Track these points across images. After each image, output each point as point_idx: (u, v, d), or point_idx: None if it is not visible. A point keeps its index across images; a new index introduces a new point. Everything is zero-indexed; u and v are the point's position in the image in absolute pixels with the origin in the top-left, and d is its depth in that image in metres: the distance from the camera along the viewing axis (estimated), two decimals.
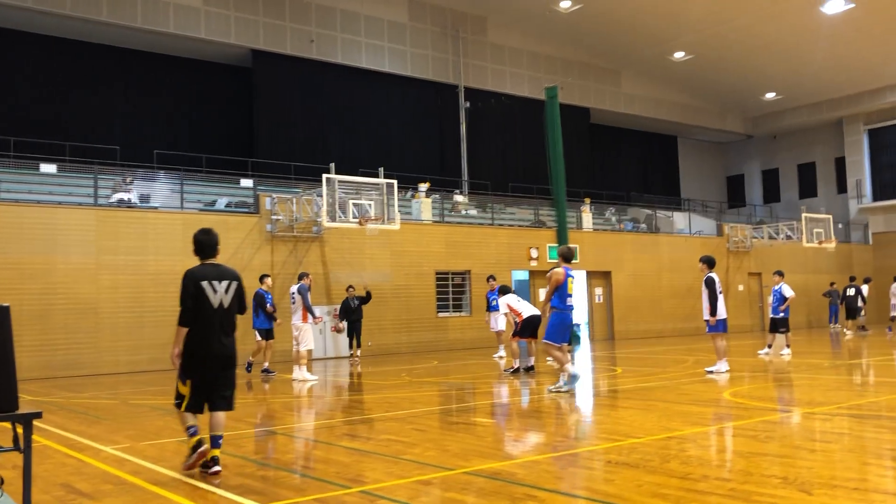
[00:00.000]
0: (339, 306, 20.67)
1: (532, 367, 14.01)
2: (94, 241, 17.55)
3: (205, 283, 5.98)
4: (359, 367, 17.26)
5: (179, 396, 6.03)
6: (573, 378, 10.69)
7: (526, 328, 14.03)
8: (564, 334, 10.72)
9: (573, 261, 11.01)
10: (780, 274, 17.28)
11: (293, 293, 14.30)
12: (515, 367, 13.97)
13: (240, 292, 6.16)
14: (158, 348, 17.54)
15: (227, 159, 23.73)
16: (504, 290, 15.08)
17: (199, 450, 5.87)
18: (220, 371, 5.97)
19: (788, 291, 16.91)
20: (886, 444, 6.53)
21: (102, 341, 17.12)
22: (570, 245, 11.10)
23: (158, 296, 17.66)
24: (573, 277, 10.72)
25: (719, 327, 12.93)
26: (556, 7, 28.16)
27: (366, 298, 18.69)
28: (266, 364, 15.39)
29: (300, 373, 13.99)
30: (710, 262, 13.12)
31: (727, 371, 12.67)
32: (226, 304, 6.03)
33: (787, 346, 16.85)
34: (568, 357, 10.90)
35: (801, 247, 29.17)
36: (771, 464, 5.76)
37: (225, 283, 6.07)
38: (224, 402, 6.02)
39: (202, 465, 5.89)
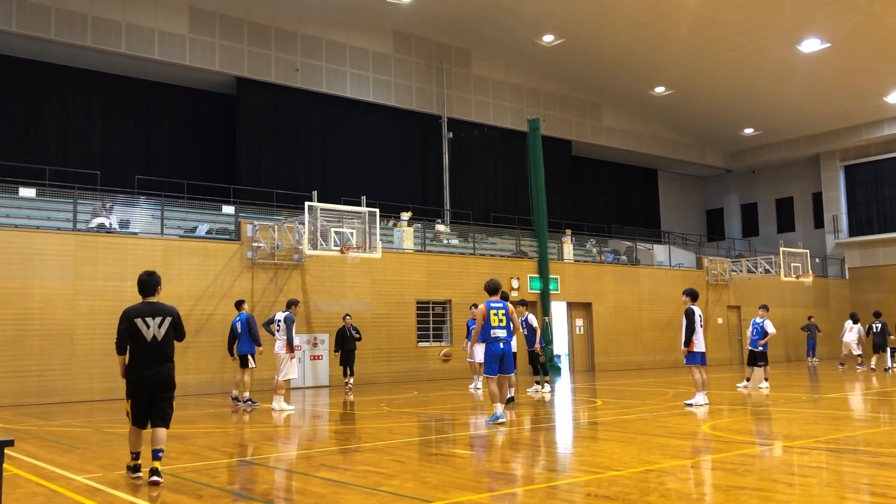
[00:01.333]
0: (319, 335, 20.58)
1: (512, 399, 13.97)
2: (72, 266, 17.37)
3: (138, 320, 7.00)
4: (351, 395, 17.17)
5: (127, 413, 7.13)
6: (496, 417, 10.74)
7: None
8: (494, 365, 10.96)
9: (497, 293, 11.21)
10: (766, 308, 17.35)
11: (279, 321, 14.16)
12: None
13: (174, 325, 7.15)
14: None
15: (209, 186, 23.67)
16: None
17: (136, 474, 7.02)
18: (154, 393, 6.96)
19: (770, 328, 16.95)
20: (863, 479, 6.56)
21: (77, 368, 16.88)
22: (494, 278, 11.49)
23: None
24: (497, 308, 10.98)
25: (696, 359, 13.01)
26: (539, 41, 28.54)
27: (358, 337, 19.02)
28: (236, 393, 15.01)
29: (278, 403, 13.84)
30: (692, 295, 13.29)
31: (706, 404, 12.70)
32: (159, 338, 7.02)
33: (766, 379, 16.93)
34: (502, 393, 11.14)
35: (779, 280, 29.46)
36: (749, 497, 5.75)
37: (159, 319, 7.06)
38: (161, 420, 6.97)
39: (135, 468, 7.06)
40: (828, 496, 5.83)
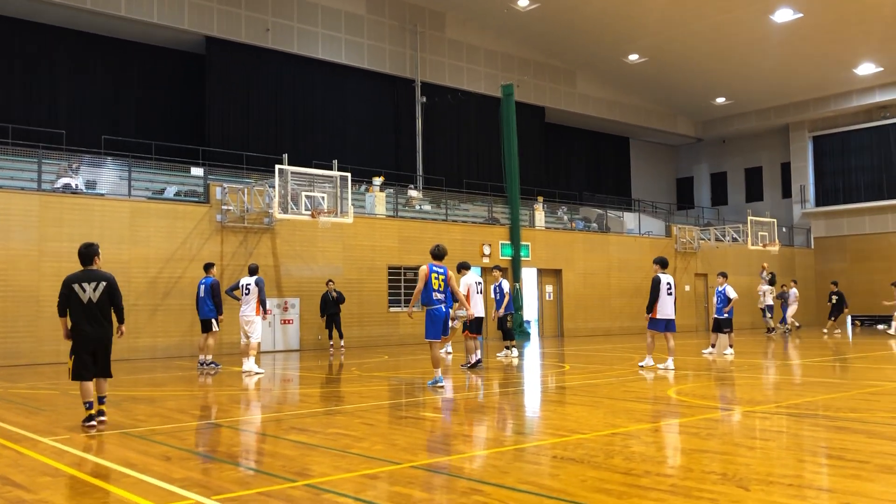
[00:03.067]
0: (289, 299, 20.53)
1: (479, 362, 14.13)
2: (37, 227, 17.08)
3: (76, 285, 7.86)
4: (342, 357, 17.58)
5: (69, 370, 7.92)
6: (436, 381, 10.93)
7: (474, 324, 14.14)
8: (437, 330, 11.00)
9: (442, 259, 11.24)
10: (724, 275, 17.65)
11: (248, 284, 14.12)
12: (472, 361, 14.00)
13: (109, 290, 7.96)
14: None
15: (178, 147, 23.30)
16: (465, 267, 14.47)
17: (89, 423, 7.75)
18: (93, 349, 7.85)
19: (732, 293, 17.25)
20: (822, 442, 6.74)
21: (43, 330, 16.68)
22: (440, 243, 11.52)
23: None
24: (439, 273, 11.01)
25: (656, 326, 13.71)
26: (515, 5, 28.29)
27: (340, 299, 19.49)
28: (203, 357, 14.97)
29: (249, 364, 13.84)
30: (661, 263, 13.79)
31: (652, 368, 13.37)
32: (94, 300, 7.85)
33: (730, 346, 17.25)
34: (444, 358, 11.36)
35: (746, 249, 29.90)
36: (711, 460, 5.89)
37: (94, 284, 7.88)
38: (104, 372, 7.97)
39: (89, 418, 7.80)
40: (787, 459, 5.99)
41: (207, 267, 15.07)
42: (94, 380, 7.92)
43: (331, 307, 19.46)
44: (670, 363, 13.35)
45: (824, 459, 6.09)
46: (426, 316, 11.03)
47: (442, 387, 10.94)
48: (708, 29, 29.11)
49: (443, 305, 11.03)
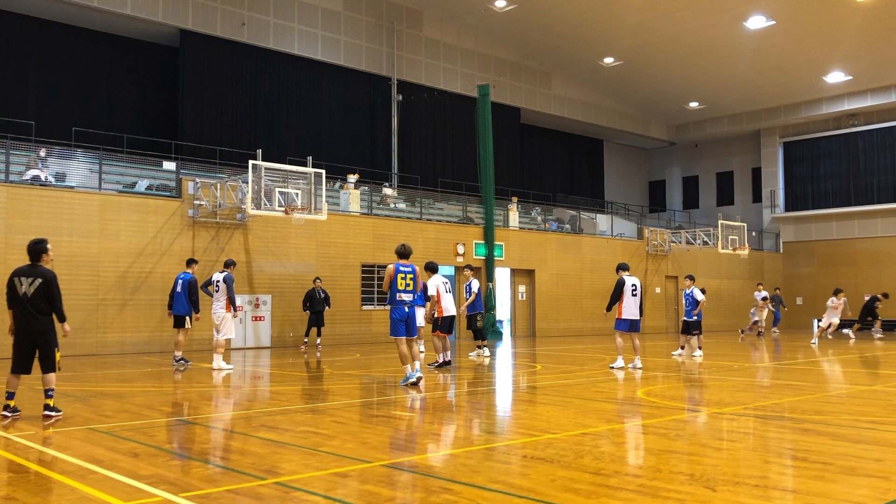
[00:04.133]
0: (261, 296, 20.42)
1: (449, 362, 14.14)
2: (4, 218, 16.80)
3: (16, 279, 8.12)
4: (318, 354, 17.65)
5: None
6: (407, 378, 10.98)
7: (444, 324, 14.11)
8: (400, 327, 10.97)
9: (407, 258, 11.28)
10: (692, 278, 17.79)
11: (217, 281, 14.00)
12: (440, 361, 14.04)
13: (44, 287, 8.05)
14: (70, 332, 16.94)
15: (150, 140, 23.05)
16: (432, 269, 13.84)
17: (10, 413, 8.05)
18: (32, 341, 8.09)
19: (699, 295, 17.34)
20: (787, 444, 6.85)
21: (8, 324, 16.37)
22: (406, 244, 11.54)
23: (71, 278, 17.06)
24: (406, 272, 11.03)
25: (620, 326, 14.09)
26: (492, 6, 28.36)
27: (327, 300, 19.52)
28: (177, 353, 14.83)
29: (218, 362, 13.73)
30: (623, 268, 14.38)
31: (622, 368, 13.63)
32: (29, 294, 8.03)
33: (699, 347, 17.46)
34: (412, 354, 11.13)
35: (716, 252, 30.26)
36: (679, 461, 5.96)
37: (31, 279, 8.07)
38: (44, 364, 8.09)
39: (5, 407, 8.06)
40: (753, 460, 6.08)
41: (190, 262, 14.88)
42: (43, 375, 8.08)
43: (317, 305, 19.11)
44: (637, 362, 13.75)
45: (789, 461, 6.19)
46: (391, 313, 11.03)
47: (415, 383, 10.90)
48: (682, 34, 29.43)
49: (406, 307, 10.99)
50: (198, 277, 14.90)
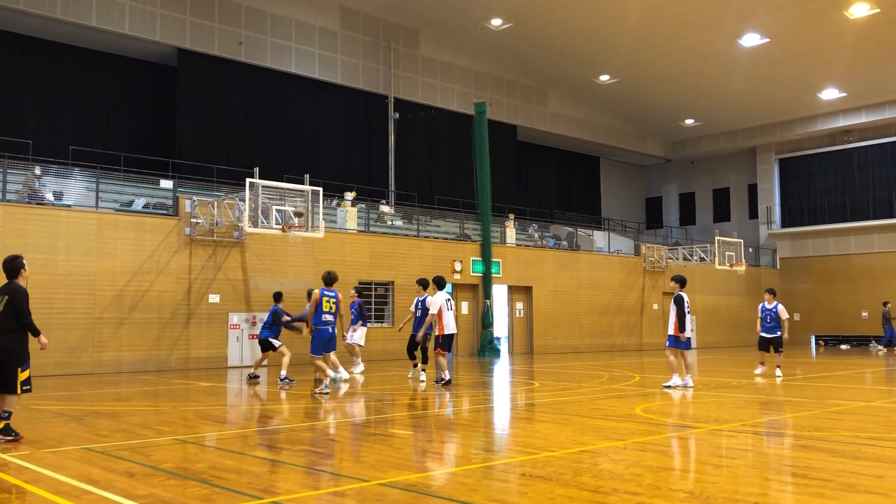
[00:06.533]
0: (258, 314, 20.36)
1: (450, 381, 14.06)
2: (1, 237, 16.77)
3: None
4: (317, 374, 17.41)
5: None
6: (334, 381, 12.06)
7: (445, 342, 14.01)
8: (319, 347, 12.53)
9: (332, 284, 12.76)
10: (773, 292, 16.87)
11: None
12: (446, 378, 13.90)
13: (10, 304, 7.83)
14: (66, 351, 16.89)
15: (147, 159, 23.08)
16: (440, 284, 14.03)
17: None
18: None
19: (785, 313, 16.29)
20: (786, 461, 6.82)
21: None
22: (331, 270, 13.06)
23: (68, 297, 17.03)
24: (329, 297, 12.53)
25: (683, 344, 13.36)
26: (488, 24, 28.53)
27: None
28: (255, 371, 15.70)
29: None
30: (681, 281, 13.56)
31: (686, 386, 13.16)
32: None
33: (778, 367, 16.38)
34: (327, 366, 12.69)
35: (713, 268, 30.27)
36: (678, 478, 5.93)
37: (2, 297, 7.87)
38: (3, 387, 7.78)
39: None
40: (752, 477, 6.05)
41: (278, 296, 15.80)
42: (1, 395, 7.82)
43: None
44: (689, 380, 13.43)
45: (789, 477, 6.16)
46: (314, 333, 12.49)
47: (327, 393, 11.83)
48: (678, 52, 29.62)
49: (330, 327, 12.53)
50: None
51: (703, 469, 6.33)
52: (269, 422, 10.08)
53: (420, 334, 14.37)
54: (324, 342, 12.54)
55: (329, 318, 12.49)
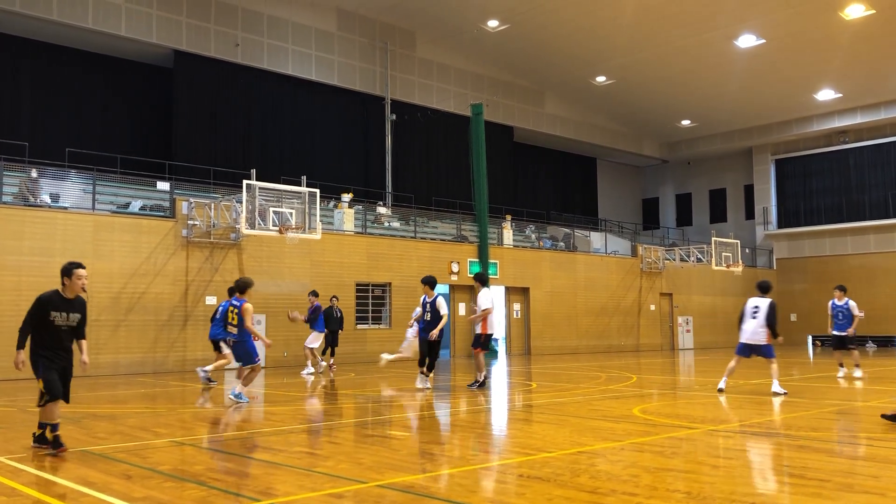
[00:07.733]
0: (254, 315, 20.29)
1: (484, 383, 13.84)
2: None
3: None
4: (332, 374, 17.36)
5: None
6: (239, 395, 11.59)
7: (487, 341, 13.79)
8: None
9: (244, 291, 11.81)
10: (843, 289, 16.32)
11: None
12: (481, 380, 13.74)
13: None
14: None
15: (144, 161, 23.05)
16: (483, 280, 13.84)
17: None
18: None
19: (857, 310, 15.91)
20: (784, 461, 6.83)
21: (2, 345, 16.28)
22: (244, 276, 12.32)
23: None
24: (234, 307, 11.70)
25: (737, 348, 12.73)
26: (484, 26, 28.55)
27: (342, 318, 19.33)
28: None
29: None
30: (759, 286, 12.84)
31: (784, 393, 12.24)
32: None
33: (856, 365, 16.21)
34: (241, 378, 11.90)
35: (709, 269, 30.32)
36: (675, 479, 5.94)
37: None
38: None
39: None
40: (749, 477, 6.06)
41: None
42: None
43: (334, 324, 18.49)
44: (776, 386, 12.32)
45: (786, 478, 6.17)
46: (251, 344, 11.74)
47: (239, 404, 11.39)
48: (674, 53, 29.66)
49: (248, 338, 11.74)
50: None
51: (700, 469, 6.33)
52: (266, 423, 10.07)
53: (434, 334, 13.28)
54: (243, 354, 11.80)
55: (232, 329, 11.77)
